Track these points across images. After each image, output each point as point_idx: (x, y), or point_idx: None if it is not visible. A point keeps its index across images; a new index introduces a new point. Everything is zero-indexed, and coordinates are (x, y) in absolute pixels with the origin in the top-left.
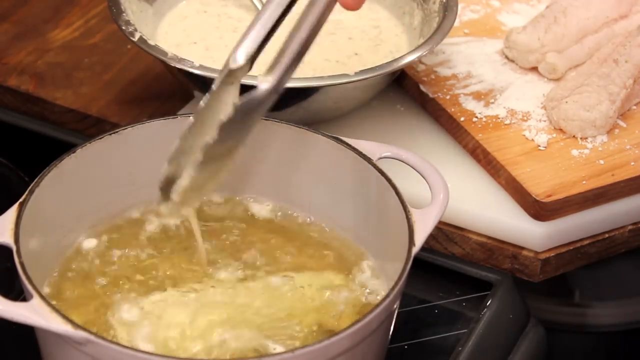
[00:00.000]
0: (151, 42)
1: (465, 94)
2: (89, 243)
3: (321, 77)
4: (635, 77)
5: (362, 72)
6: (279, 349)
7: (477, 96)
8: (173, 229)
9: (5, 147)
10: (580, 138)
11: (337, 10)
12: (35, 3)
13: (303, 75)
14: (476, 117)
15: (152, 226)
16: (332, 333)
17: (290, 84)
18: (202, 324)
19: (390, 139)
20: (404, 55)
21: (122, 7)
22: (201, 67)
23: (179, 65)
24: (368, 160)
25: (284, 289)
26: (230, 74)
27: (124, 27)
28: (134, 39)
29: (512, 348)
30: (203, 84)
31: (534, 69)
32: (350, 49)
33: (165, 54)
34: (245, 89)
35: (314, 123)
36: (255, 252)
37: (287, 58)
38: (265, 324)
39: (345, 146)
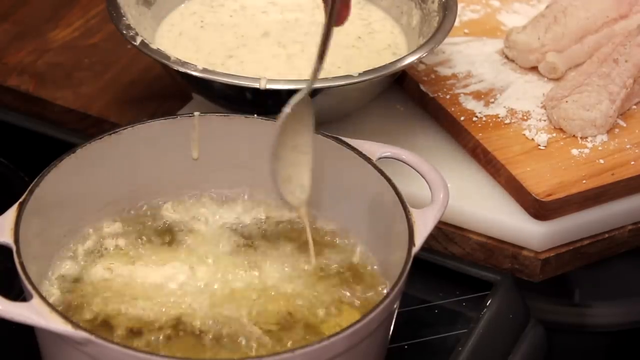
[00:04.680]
0: (153, 46)
1: (465, 94)
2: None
3: (325, 79)
4: (635, 77)
5: (365, 72)
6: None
7: (477, 96)
8: (173, 229)
9: (5, 147)
10: (580, 137)
11: None
12: (35, 3)
13: (305, 78)
14: (476, 116)
15: (152, 225)
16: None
17: (294, 86)
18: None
19: (390, 139)
20: (406, 55)
21: (122, 11)
22: (204, 70)
23: (182, 69)
24: (368, 160)
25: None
26: None
27: (124, 32)
28: (135, 43)
29: (512, 348)
30: (204, 87)
31: (534, 68)
32: (350, 50)
33: (168, 57)
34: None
35: (318, 124)
36: (252, 252)
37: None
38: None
39: (345, 146)
